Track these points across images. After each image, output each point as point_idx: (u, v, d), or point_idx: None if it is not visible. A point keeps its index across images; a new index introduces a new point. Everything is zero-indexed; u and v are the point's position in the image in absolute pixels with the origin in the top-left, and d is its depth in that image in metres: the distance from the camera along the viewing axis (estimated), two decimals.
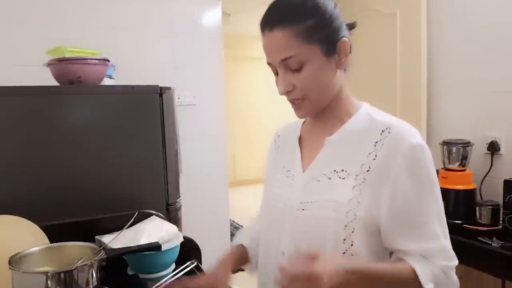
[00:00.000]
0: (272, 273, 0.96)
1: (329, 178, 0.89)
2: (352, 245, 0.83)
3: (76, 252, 1.10)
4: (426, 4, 2.37)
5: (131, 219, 1.24)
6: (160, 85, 1.64)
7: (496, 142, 2.09)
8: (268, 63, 0.90)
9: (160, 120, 1.64)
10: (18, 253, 1.04)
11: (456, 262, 0.86)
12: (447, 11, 2.35)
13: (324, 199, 0.87)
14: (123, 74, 2.30)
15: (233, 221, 5.09)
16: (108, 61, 1.70)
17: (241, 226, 5.03)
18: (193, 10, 2.86)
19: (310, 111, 0.93)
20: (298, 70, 0.86)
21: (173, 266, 1.41)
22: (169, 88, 1.67)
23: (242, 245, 1.11)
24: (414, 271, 0.80)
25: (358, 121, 0.91)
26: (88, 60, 1.61)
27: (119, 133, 1.57)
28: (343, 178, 0.87)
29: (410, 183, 0.82)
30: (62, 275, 0.98)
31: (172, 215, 1.68)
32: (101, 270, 1.08)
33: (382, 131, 0.86)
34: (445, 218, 0.86)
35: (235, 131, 6.73)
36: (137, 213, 1.29)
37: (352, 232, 0.83)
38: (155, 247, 1.25)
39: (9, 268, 0.97)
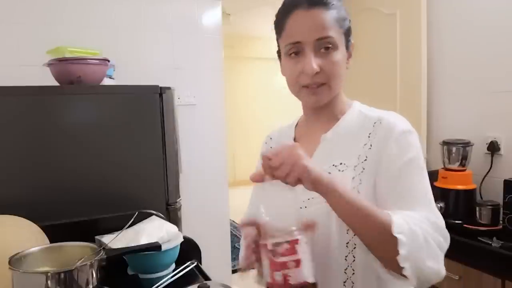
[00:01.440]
0: None
1: (329, 173, 0.89)
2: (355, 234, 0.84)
3: (76, 252, 1.10)
4: (426, 4, 2.37)
5: (131, 219, 1.23)
6: (160, 85, 1.64)
7: (496, 142, 2.09)
8: (294, 43, 0.88)
9: (160, 120, 1.64)
10: (18, 253, 1.04)
11: (447, 238, 0.80)
12: (447, 11, 2.35)
13: None
14: (123, 74, 2.30)
15: (233, 221, 5.09)
16: (108, 61, 1.70)
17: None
18: (193, 10, 2.85)
19: (326, 98, 0.92)
20: (327, 54, 0.87)
21: (173, 266, 1.41)
22: (169, 88, 1.67)
23: None
24: (390, 220, 0.75)
25: (351, 118, 0.95)
26: (88, 60, 1.61)
27: (119, 133, 1.57)
28: (343, 171, 0.89)
29: (400, 162, 0.84)
30: (62, 275, 0.98)
31: (172, 215, 1.68)
32: (101, 270, 1.08)
33: (375, 123, 0.90)
34: (434, 202, 0.85)
35: (235, 131, 6.73)
36: (137, 213, 1.28)
37: None
38: (155, 247, 1.25)
39: (9, 268, 0.97)
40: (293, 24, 0.88)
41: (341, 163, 0.90)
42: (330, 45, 0.86)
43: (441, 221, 0.81)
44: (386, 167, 0.85)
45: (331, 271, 0.87)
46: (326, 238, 0.87)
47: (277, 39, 0.96)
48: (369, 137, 0.89)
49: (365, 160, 0.87)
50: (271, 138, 1.13)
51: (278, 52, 0.98)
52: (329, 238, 0.86)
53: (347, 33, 0.91)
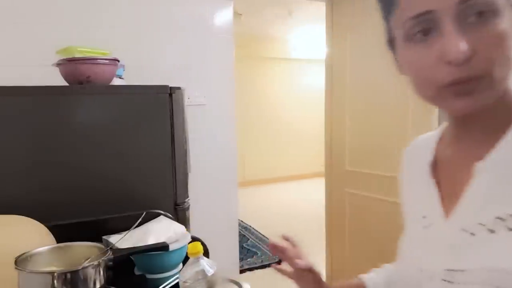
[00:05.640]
0: None
1: (491, 231, 0.55)
2: None
3: (83, 252, 1.10)
4: None
5: (139, 219, 1.23)
6: (170, 85, 1.64)
7: None
8: (420, 15, 0.54)
9: (169, 120, 1.63)
10: (24, 253, 1.04)
11: None
12: None
13: (485, 266, 0.54)
14: (133, 74, 2.30)
15: (242, 221, 5.09)
16: (118, 61, 1.70)
17: (250, 226, 5.03)
18: (205, 10, 2.85)
19: (486, 100, 0.55)
20: (482, 24, 0.52)
21: (181, 266, 1.41)
22: (179, 88, 1.67)
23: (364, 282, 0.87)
24: None
25: None
26: (98, 60, 1.61)
27: (128, 133, 1.57)
28: None
29: None
30: (68, 275, 0.98)
31: (180, 215, 1.67)
32: (108, 270, 1.08)
33: None
34: None
35: (245, 131, 6.73)
36: (145, 213, 1.28)
37: None
38: (162, 247, 1.24)
39: (15, 268, 0.97)
40: None
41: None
42: (486, 9, 0.51)
43: None
44: None
45: None
46: None
47: (387, 23, 0.62)
48: None
49: None
50: (406, 158, 0.80)
51: (389, 41, 0.64)
52: None
53: None
